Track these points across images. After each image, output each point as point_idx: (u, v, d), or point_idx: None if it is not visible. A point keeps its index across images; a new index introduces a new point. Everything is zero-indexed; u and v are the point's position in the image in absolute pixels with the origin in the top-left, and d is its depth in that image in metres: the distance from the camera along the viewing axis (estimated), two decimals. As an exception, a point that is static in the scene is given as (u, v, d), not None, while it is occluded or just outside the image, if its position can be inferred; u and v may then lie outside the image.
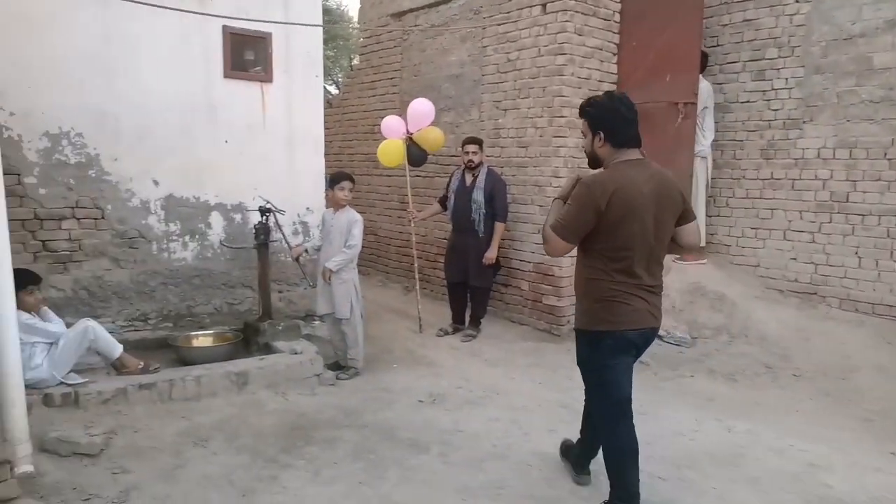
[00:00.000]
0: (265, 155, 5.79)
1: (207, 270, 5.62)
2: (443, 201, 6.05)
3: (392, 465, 3.37)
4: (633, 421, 2.85)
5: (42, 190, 4.88)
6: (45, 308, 3.83)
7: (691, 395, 4.55)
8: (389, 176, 7.52)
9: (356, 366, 4.79)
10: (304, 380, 4.41)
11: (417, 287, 6.10)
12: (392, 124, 6.04)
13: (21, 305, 3.67)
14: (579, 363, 2.96)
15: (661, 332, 5.29)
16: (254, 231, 5.04)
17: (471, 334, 5.83)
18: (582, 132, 2.82)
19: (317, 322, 5.96)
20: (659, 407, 4.27)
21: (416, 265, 6.13)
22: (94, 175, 5.06)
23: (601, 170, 2.78)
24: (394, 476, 3.27)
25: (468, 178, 5.80)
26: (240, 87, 5.61)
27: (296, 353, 4.50)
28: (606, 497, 2.91)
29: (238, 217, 5.74)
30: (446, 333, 5.98)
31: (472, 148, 5.74)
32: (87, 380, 3.80)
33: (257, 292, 5.32)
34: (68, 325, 3.98)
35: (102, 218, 5.12)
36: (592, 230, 2.65)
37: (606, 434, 2.88)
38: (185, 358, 4.60)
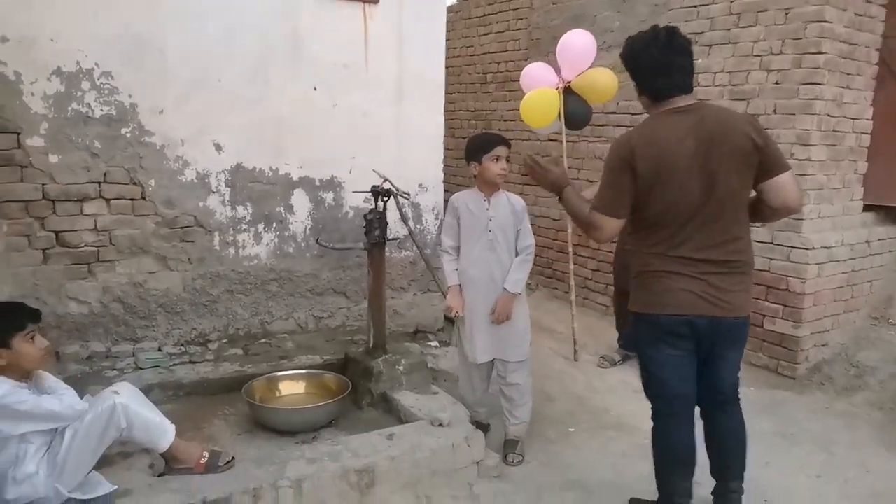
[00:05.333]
0: (366, 108, 4.07)
1: (288, 272, 3.97)
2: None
3: None
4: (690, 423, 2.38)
5: (53, 156, 3.26)
6: (39, 371, 2.20)
7: None
8: (526, 139, 5.69)
9: (520, 433, 3.10)
10: (456, 471, 2.74)
11: (573, 298, 4.36)
12: (537, 73, 4.24)
13: (16, 364, 2.09)
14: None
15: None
16: (364, 223, 3.34)
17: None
18: None
19: (433, 344, 4.30)
20: None
21: (571, 267, 4.38)
22: (128, 135, 3.42)
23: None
24: None
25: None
26: (334, 8, 3.86)
27: (441, 425, 2.82)
28: None
29: (329, 197, 4.06)
30: (613, 363, 4.26)
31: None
32: (114, 487, 2.19)
33: (365, 311, 3.68)
34: (80, 391, 2.37)
35: (143, 198, 3.49)
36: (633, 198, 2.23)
37: (653, 431, 2.47)
38: (268, 422, 2.99)
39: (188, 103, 3.53)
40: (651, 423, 2.49)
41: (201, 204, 3.65)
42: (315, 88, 3.89)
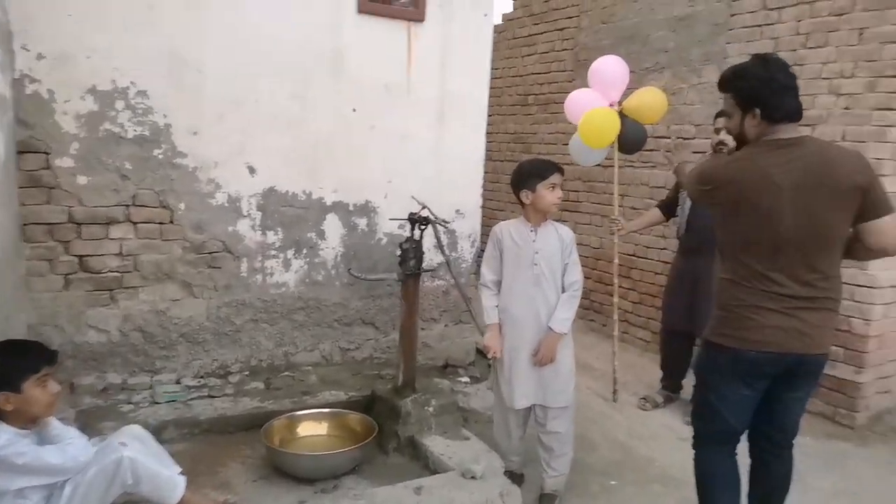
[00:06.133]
0: (406, 130, 3.91)
1: (316, 301, 3.81)
2: (666, 206, 4.00)
3: None
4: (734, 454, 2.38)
5: (82, 178, 3.16)
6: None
7: None
8: (568, 164, 5.45)
9: (558, 486, 2.85)
10: (490, 531, 2.51)
11: (616, 332, 4.08)
12: (582, 100, 4.00)
13: (23, 410, 1.95)
14: (694, 369, 2.54)
15: None
16: (399, 251, 3.16)
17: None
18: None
19: (464, 380, 4.07)
20: None
21: (615, 300, 4.11)
22: (161, 157, 3.31)
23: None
24: None
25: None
26: (379, 27, 3.72)
27: (473, 478, 2.60)
28: None
29: (362, 223, 3.90)
30: (655, 405, 3.98)
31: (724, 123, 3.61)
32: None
33: (394, 342, 3.49)
34: (91, 428, 2.22)
35: (171, 222, 3.37)
36: (717, 223, 2.28)
37: (695, 459, 2.45)
38: (288, 469, 2.80)
39: (224, 124, 3.42)
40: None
41: (231, 228, 3.52)
42: (354, 109, 3.75)
